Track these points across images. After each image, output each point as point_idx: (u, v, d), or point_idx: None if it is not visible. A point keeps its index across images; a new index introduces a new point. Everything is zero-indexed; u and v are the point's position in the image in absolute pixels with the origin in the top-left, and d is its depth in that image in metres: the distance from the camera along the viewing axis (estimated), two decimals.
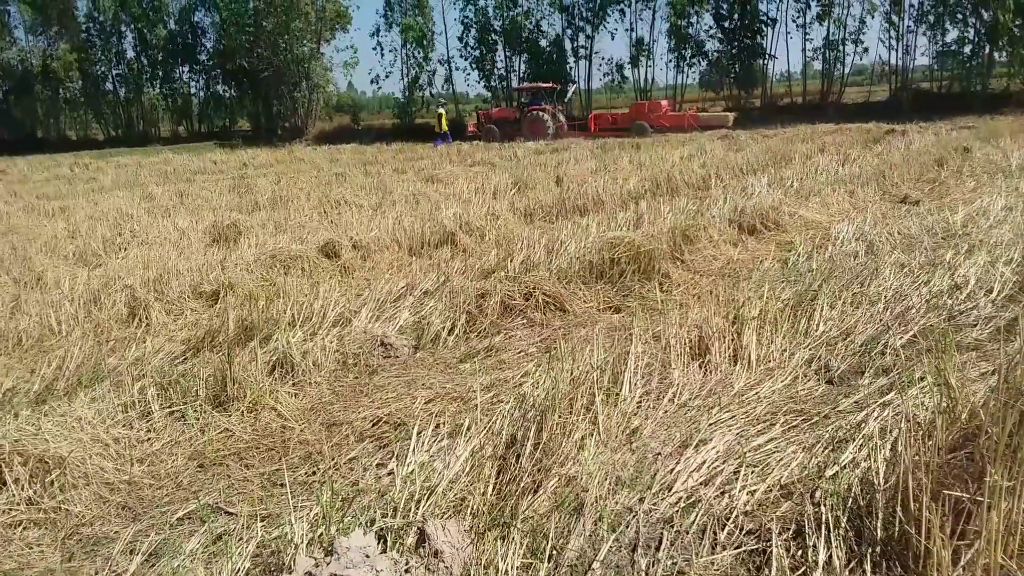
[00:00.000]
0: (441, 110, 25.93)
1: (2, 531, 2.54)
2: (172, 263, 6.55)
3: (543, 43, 39.42)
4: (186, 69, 43.81)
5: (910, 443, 2.36)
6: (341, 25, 39.88)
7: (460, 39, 40.04)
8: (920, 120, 23.26)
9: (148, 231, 8.50)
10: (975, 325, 4.04)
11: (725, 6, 35.93)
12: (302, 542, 2.29)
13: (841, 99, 34.45)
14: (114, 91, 43.94)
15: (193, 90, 44.86)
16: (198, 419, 3.32)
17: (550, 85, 30.31)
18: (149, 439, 3.16)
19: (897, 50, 34.77)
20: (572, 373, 3.11)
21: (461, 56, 40.46)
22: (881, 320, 4.11)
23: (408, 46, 39.95)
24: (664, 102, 28.17)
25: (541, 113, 26.86)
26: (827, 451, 2.83)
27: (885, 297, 4.43)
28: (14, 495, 2.66)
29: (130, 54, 43.01)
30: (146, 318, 5.07)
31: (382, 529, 2.38)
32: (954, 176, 10.03)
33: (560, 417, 2.79)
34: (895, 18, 33.77)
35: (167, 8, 41.52)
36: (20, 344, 4.63)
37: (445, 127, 25.35)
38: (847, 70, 36.03)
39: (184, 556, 2.38)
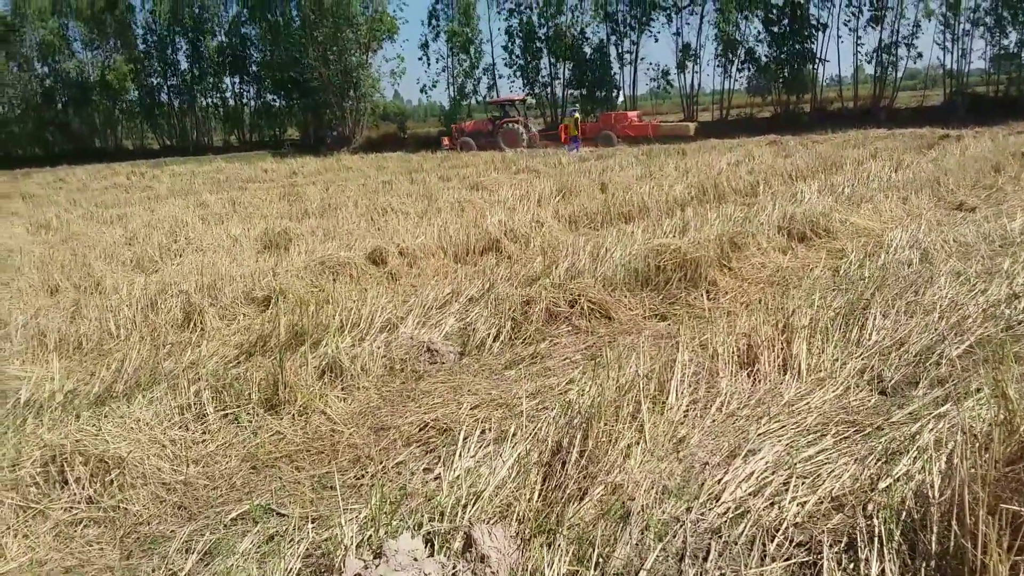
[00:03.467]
0: (576, 115, 26.42)
1: (64, 529, 2.64)
2: (225, 269, 6.70)
3: (587, 50, 39.39)
4: (237, 80, 44.87)
5: (966, 456, 2.30)
6: (389, 35, 40.41)
7: (505, 48, 40.32)
8: (976, 125, 22.65)
9: (202, 238, 8.71)
10: None
11: (775, 11, 35.44)
12: (351, 544, 2.33)
13: (893, 104, 33.70)
14: (168, 102, 45.20)
15: (244, 100, 45.92)
16: (251, 422, 3.40)
17: (520, 97, 31.61)
18: (204, 441, 3.25)
19: (952, 53, 33.89)
20: (618, 381, 3.10)
21: (505, 64, 40.72)
22: (936, 330, 4.01)
23: (454, 55, 40.34)
24: (632, 113, 28.56)
25: (514, 125, 27.73)
26: (880, 463, 2.77)
27: (940, 306, 4.32)
28: (75, 494, 2.76)
29: (183, 65, 44.25)
30: (200, 323, 5.20)
31: (429, 533, 2.41)
32: (1012, 182, 9.73)
33: (606, 425, 2.79)
34: (951, 20, 32.91)
35: (218, 19, 42.60)
36: (80, 348, 4.79)
37: (575, 132, 25.71)
38: (900, 74, 35.25)
39: (237, 556, 2.44)
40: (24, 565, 2.42)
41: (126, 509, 2.78)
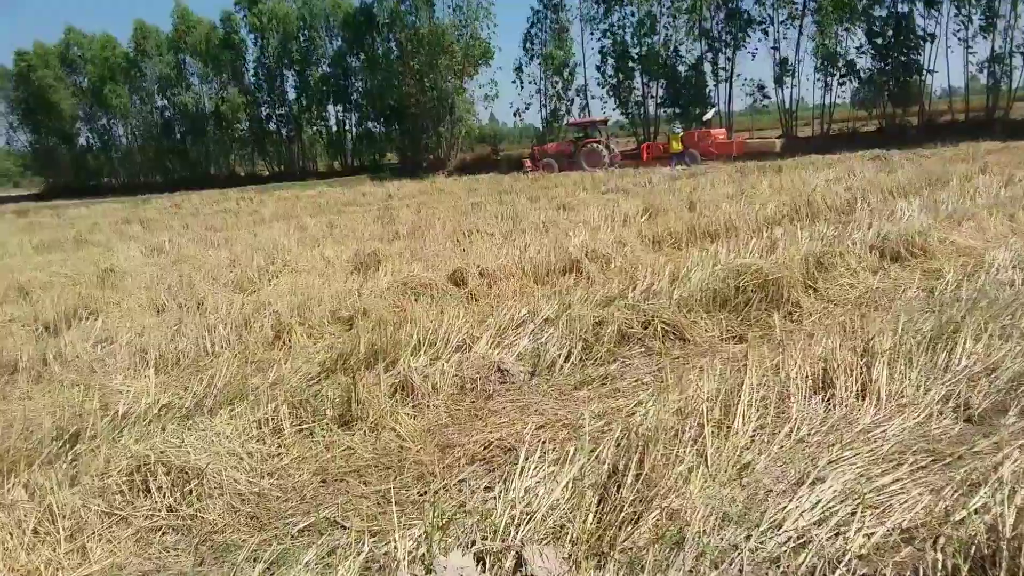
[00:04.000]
0: (678, 131, 26.73)
1: (144, 535, 2.81)
2: (316, 290, 6.98)
3: (681, 68, 39.03)
4: (340, 108, 46.80)
5: None
6: (485, 60, 41.28)
7: (598, 68, 40.44)
8: None
9: (298, 260, 9.10)
10: None
11: (877, 23, 34.15)
12: (404, 559, 2.39)
13: (1009, 114, 31.76)
14: (277, 130, 47.58)
15: (347, 127, 47.81)
16: (324, 437, 3.53)
17: (603, 119, 32.43)
18: (279, 454, 3.39)
19: None
20: (679, 403, 3.06)
21: (598, 84, 40.81)
22: None
23: (547, 77, 40.73)
24: (717, 131, 28.24)
25: (596, 145, 28.05)
26: (957, 494, 2.62)
27: None
28: (156, 502, 2.94)
29: (291, 96, 46.53)
30: (288, 341, 5.44)
31: (481, 551, 2.43)
32: None
33: (664, 448, 2.75)
34: None
35: (323, 51, 44.57)
36: (178, 363, 5.09)
37: (678, 148, 25.87)
38: (1016, 84, 33.21)
39: (300, 566, 2.53)
40: (106, 568, 2.59)
41: (203, 518, 2.94)
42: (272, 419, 3.59)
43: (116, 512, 2.91)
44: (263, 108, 46.65)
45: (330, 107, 46.75)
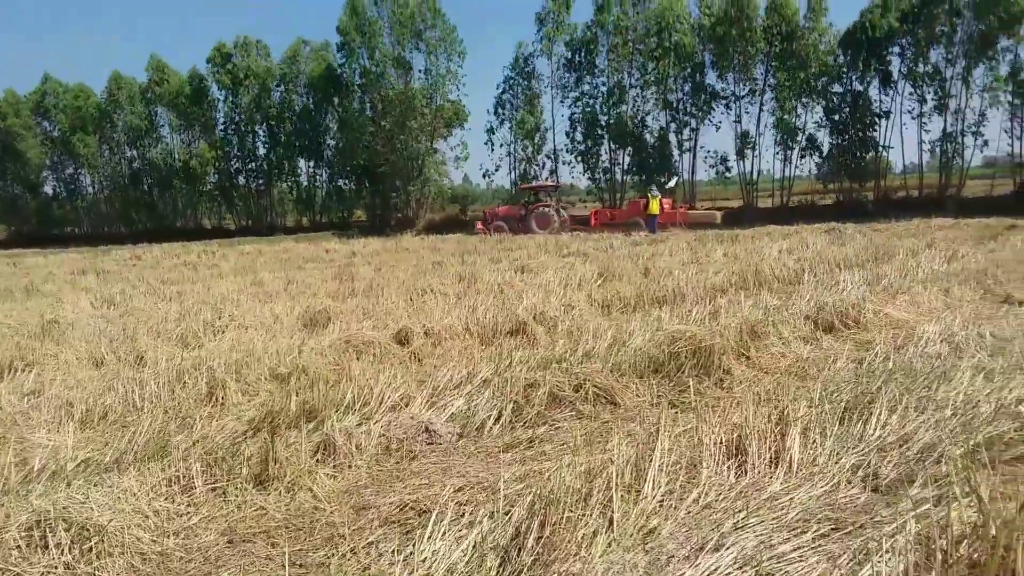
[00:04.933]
0: (656, 194, 27.18)
1: None
2: (259, 346, 6.93)
3: (648, 137, 40.09)
4: (311, 164, 47.10)
5: (921, 559, 2.22)
6: (458, 123, 42.05)
7: (567, 134, 41.36)
8: None
9: (247, 315, 9.04)
10: None
11: (835, 99, 35.56)
12: None
13: (961, 192, 32.98)
14: (246, 184, 47.64)
15: (317, 183, 48.05)
16: (237, 496, 3.49)
17: (553, 184, 34.05)
18: (188, 513, 3.34)
19: (1022, 141, 33.19)
20: (588, 467, 3.09)
21: (567, 150, 41.69)
22: (945, 427, 3.87)
23: (518, 141, 41.55)
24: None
25: (547, 209, 28.93)
26: (851, 563, 2.67)
27: (954, 403, 4.17)
28: (54, 559, 2.87)
29: (261, 151, 46.74)
30: (222, 398, 5.38)
31: None
32: None
33: (566, 511, 2.77)
34: (1017, 111, 32.36)
35: (293, 106, 45.00)
36: (105, 418, 5.01)
37: (656, 210, 26.29)
38: (967, 163, 34.59)
39: None
40: None
41: None
42: (184, 477, 3.54)
43: (11, 568, 2.83)
44: (233, 162, 46.78)
45: (301, 162, 47.10)
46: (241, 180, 47.64)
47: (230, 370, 5.83)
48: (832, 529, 2.96)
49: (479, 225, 30.74)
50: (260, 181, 47.33)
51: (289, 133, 45.12)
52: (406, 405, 4.85)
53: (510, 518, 3.05)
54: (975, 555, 2.34)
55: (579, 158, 41.34)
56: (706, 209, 32.30)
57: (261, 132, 46.18)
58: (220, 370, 5.73)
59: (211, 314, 9.11)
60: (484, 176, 61.14)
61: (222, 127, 46.12)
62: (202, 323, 8.45)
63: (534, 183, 35.52)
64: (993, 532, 2.43)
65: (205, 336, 7.94)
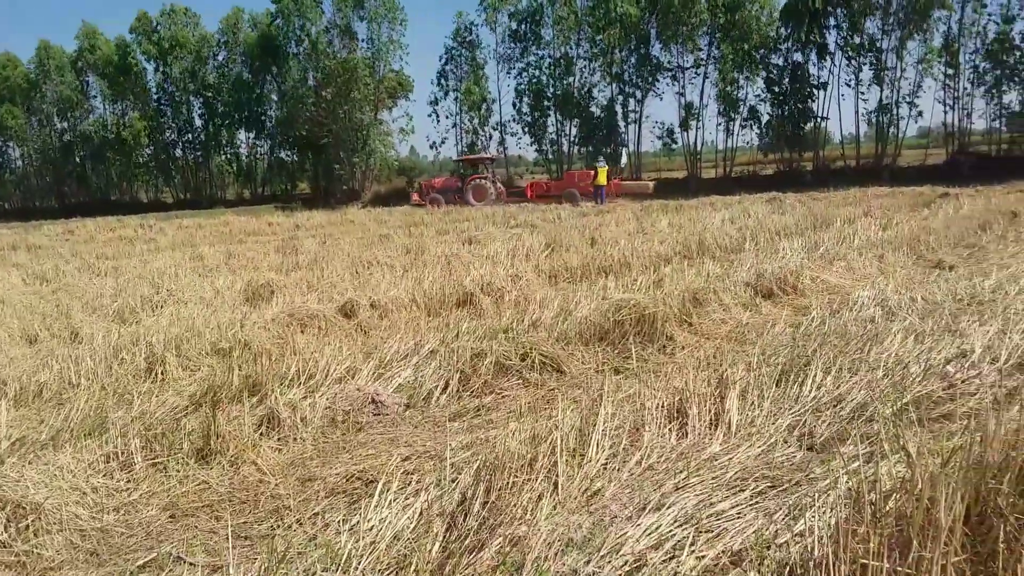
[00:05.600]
0: (603, 164, 27.15)
1: None
2: (200, 321, 6.79)
3: (594, 109, 40.18)
4: (251, 135, 45.94)
5: (852, 514, 2.32)
6: (403, 93, 41.44)
7: (514, 106, 41.19)
8: (978, 184, 22.79)
9: (187, 290, 8.84)
10: (974, 394, 3.92)
11: (775, 71, 36.12)
12: None
13: (896, 162, 33.96)
14: (184, 156, 46.26)
15: (258, 155, 46.90)
16: (179, 471, 3.44)
17: (489, 156, 33.99)
18: (127, 489, 3.28)
19: (955, 111, 34.28)
20: (533, 432, 3.13)
21: (515, 121, 41.54)
22: (877, 387, 4.03)
23: (463, 112, 41.22)
24: (592, 171, 29.68)
25: (483, 181, 29.08)
26: (787, 519, 2.77)
27: (886, 364, 4.33)
28: None
29: (197, 122, 45.37)
30: (162, 373, 5.28)
31: None
32: (996, 241, 9.78)
33: (511, 477, 2.81)
34: (950, 82, 33.38)
35: (232, 77, 43.70)
36: (40, 396, 4.87)
37: (603, 181, 26.30)
38: (902, 133, 35.62)
39: None
40: None
41: (38, 554, 2.81)
42: (123, 453, 3.47)
43: None
44: (168, 133, 45.33)
45: (241, 134, 45.93)
46: (178, 152, 46.28)
47: (170, 345, 5.72)
48: (769, 487, 3.06)
49: (415, 196, 30.72)
50: (198, 153, 46.03)
51: (227, 104, 43.85)
52: (352, 377, 4.83)
53: (456, 485, 3.07)
54: (903, 508, 2.45)
55: (526, 129, 41.33)
56: (640, 180, 32.72)
57: (197, 103, 44.79)
58: (159, 345, 5.62)
59: (149, 289, 8.90)
60: (432, 147, 60.49)
61: (155, 97, 44.57)
62: (140, 298, 8.24)
63: (470, 155, 35.43)
64: (920, 486, 2.54)
65: (143, 311, 7.75)
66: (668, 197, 24.71)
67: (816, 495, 2.89)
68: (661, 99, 40.15)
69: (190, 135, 45.71)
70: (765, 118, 37.32)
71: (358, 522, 2.90)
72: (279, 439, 3.87)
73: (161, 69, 43.33)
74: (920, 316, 5.62)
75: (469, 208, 25.26)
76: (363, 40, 38.77)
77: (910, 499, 2.53)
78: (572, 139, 41.08)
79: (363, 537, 2.69)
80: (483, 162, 31.60)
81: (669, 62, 38.63)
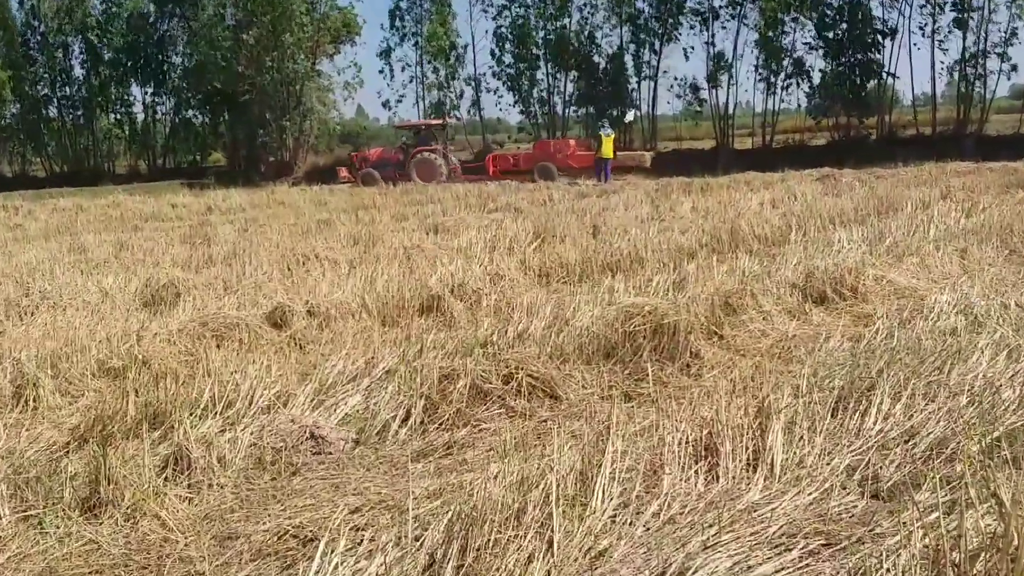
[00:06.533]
0: (609, 132, 27.02)
1: None
2: (83, 332, 6.78)
3: (598, 59, 40.32)
4: (150, 91, 45.58)
5: None
6: (349, 37, 41.38)
7: (492, 54, 41.24)
8: None
9: (66, 292, 8.81)
10: None
11: (830, 13, 36.34)
12: None
13: (983, 130, 34.35)
14: (59, 117, 45.79)
15: (158, 116, 46.56)
16: (59, 527, 3.43)
17: (439, 122, 33.59)
18: None
19: None
20: (521, 476, 3.16)
21: (493, 74, 41.58)
22: (959, 418, 4.09)
23: (426, 63, 41.22)
24: (572, 140, 30.05)
25: (430, 154, 29.33)
26: None
27: (971, 388, 4.40)
28: None
29: (78, 72, 44.91)
30: (34, 400, 5.27)
31: None
32: None
33: (493, 533, 2.83)
34: None
35: (125, 13, 43.27)
36: None
37: (609, 153, 26.44)
38: (991, 93, 36.01)
39: None
40: None
41: None
42: None
43: None
44: (40, 86, 44.90)
45: (135, 88, 45.60)
46: (53, 111, 45.81)
47: (44, 364, 5.72)
48: (823, 545, 3.10)
49: (343, 172, 30.93)
50: (78, 113, 45.60)
51: (117, 48, 43.53)
52: (285, 405, 4.85)
53: (422, 544, 3.09)
54: (994, 571, 2.50)
55: (508, 85, 41.38)
56: (636, 150, 32.81)
57: (77, 45, 44.42)
58: (30, 364, 5.61)
59: (15, 290, 8.89)
60: (385, 106, 60.50)
61: (22, 39, 44.07)
62: (3, 302, 8.22)
63: (413, 121, 35.51)
64: (1016, 543, 2.59)
65: (8, 320, 7.73)
66: (691, 173, 24.85)
67: (884, 555, 2.93)
68: (686, 54, 39.66)
69: (68, 89, 45.29)
70: (816, 73, 37.66)
71: None
72: (189, 485, 3.87)
73: (27, 5, 42.96)
74: (1014, 327, 5.71)
75: (434, 187, 25.29)
76: None
77: (1003, 559, 2.58)
78: (568, 98, 41.24)
79: None
80: (430, 129, 31.66)
81: (698, 1, 38.85)
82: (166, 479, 3.87)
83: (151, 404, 4.71)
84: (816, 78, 37.82)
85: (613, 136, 27.24)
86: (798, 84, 38.41)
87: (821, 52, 37.14)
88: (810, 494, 3.47)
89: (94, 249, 13.16)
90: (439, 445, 4.38)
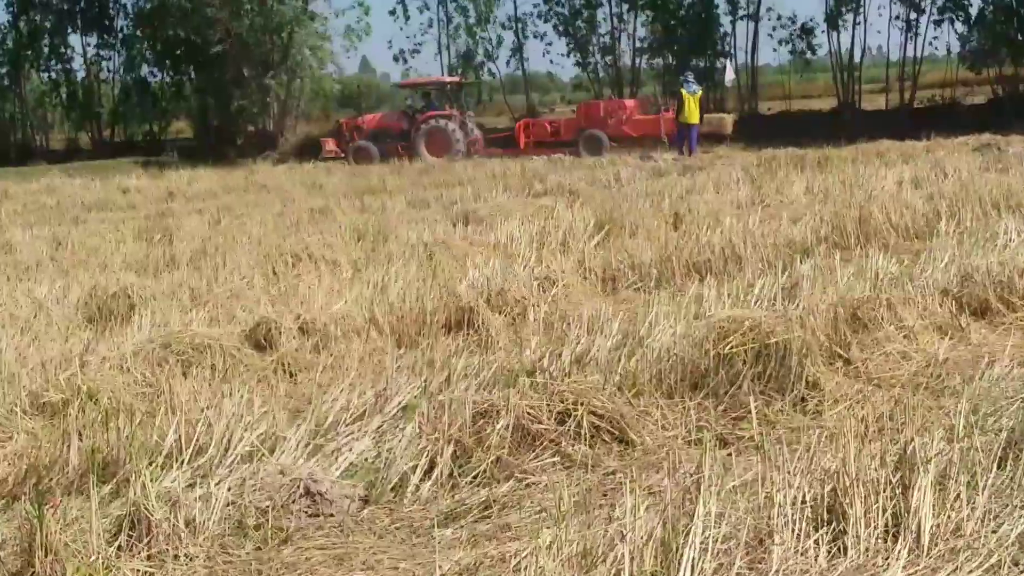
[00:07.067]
0: (695, 89, 26.45)
1: None
2: (10, 356, 6.89)
3: None
4: (94, 42, 46.20)
5: None
6: None
7: None
8: None
9: None
10: None
11: None
12: None
13: None
14: None
15: (104, 75, 47.15)
16: None
17: (455, 80, 34.09)
18: None
19: None
20: (582, 547, 3.16)
21: (539, 16, 41.58)
22: None
23: (449, 3, 41.37)
24: (631, 102, 29.95)
25: (443, 121, 29.16)
26: None
27: None
28: None
29: (2, 19, 45.70)
30: None
31: None
32: None
33: None
34: None
35: None
36: None
37: (694, 117, 26.09)
38: None
39: None
40: None
41: None
42: None
43: None
44: None
45: (75, 39, 46.26)
46: None
47: None
48: None
49: (329, 144, 31.43)
50: (1, 71, 46.35)
51: None
52: (271, 452, 4.87)
53: None
54: None
55: (560, 30, 41.35)
56: (711, 113, 32.21)
57: None
58: None
59: None
60: (397, 60, 60.68)
61: None
62: None
63: (422, 78, 35.43)
64: None
65: None
66: (803, 142, 24.67)
67: None
68: None
69: None
70: (975, 7, 37.21)
71: None
72: (149, 557, 3.90)
73: None
74: None
75: (458, 163, 25.27)
76: None
77: None
78: (640, 46, 41.15)
79: None
80: (443, 88, 31.83)
81: None
82: (119, 548, 3.90)
83: (99, 450, 4.75)
84: (974, 13, 37.39)
85: (700, 94, 26.82)
86: (951, 22, 38.01)
87: None
88: (970, 571, 3.43)
89: (23, 247, 13.35)
90: (473, 505, 4.37)
